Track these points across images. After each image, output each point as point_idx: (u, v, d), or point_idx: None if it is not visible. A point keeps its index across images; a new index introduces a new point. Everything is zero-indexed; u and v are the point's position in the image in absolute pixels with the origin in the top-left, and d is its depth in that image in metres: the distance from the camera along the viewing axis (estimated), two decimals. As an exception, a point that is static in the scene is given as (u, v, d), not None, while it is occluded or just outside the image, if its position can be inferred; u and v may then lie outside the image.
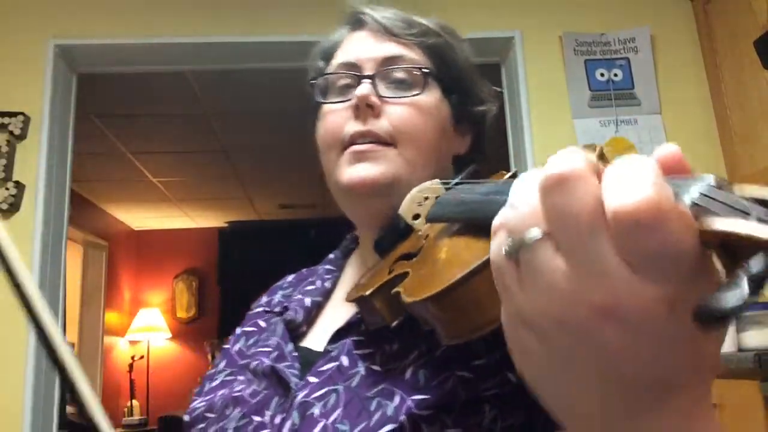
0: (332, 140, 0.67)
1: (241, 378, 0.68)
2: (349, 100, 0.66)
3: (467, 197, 0.49)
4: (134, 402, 5.40)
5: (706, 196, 0.25)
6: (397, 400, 0.55)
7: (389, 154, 0.64)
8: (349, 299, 0.59)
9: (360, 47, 0.70)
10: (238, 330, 0.79)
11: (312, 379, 0.60)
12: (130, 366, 5.50)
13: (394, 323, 0.53)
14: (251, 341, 0.74)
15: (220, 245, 5.92)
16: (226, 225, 6.00)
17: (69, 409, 3.14)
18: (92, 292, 5.10)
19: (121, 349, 5.63)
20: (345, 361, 0.61)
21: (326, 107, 0.69)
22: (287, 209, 5.46)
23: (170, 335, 5.75)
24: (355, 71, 0.68)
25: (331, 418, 0.55)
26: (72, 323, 4.72)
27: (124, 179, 4.59)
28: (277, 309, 0.77)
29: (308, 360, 0.64)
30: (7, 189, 2.12)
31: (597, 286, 0.26)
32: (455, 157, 0.73)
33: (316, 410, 0.57)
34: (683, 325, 0.25)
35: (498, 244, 0.30)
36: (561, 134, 2.29)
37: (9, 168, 2.16)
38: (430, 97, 0.68)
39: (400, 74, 0.67)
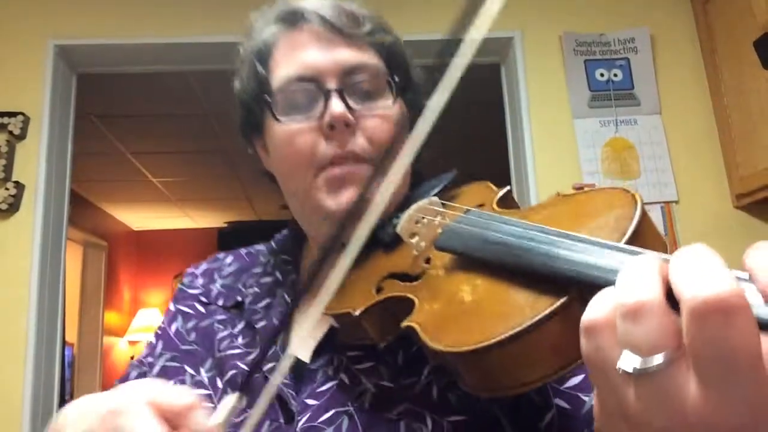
0: (305, 162, 0.61)
1: (191, 372, 0.63)
2: (316, 117, 0.60)
3: (491, 236, 0.45)
4: (134, 402, 5.39)
5: None
6: (430, 423, 0.51)
7: (368, 173, 0.60)
8: (330, 312, 0.53)
9: (313, 54, 0.61)
10: (173, 307, 0.73)
11: (311, 402, 0.55)
12: (130, 366, 5.49)
13: (383, 344, 0.50)
14: (190, 325, 0.69)
15: (219, 245, 5.92)
16: (225, 225, 6.00)
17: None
18: (92, 292, 5.09)
19: (121, 350, 5.62)
20: (345, 378, 0.56)
21: (290, 127, 0.61)
22: (287, 210, 5.43)
23: (170, 335, 5.74)
24: (316, 84, 0.61)
25: None
26: (71, 323, 4.71)
27: (124, 179, 4.59)
28: (221, 302, 0.71)
29: (296, 371, 0.59)
30: (6, 189, 2.12)
31: (737, 415, 0.24)
32: None
33: None
34: None
35: (597, 347, 0.27)
36: (561, 134, 2.29)
37: (9, 168, 2.15)
38: (396, 104, 0.64)
39: (364, 84, 0.62)
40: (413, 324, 0.44)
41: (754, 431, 0.24)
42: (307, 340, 0.61)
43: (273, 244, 0.77)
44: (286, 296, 0.67)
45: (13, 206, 2.12)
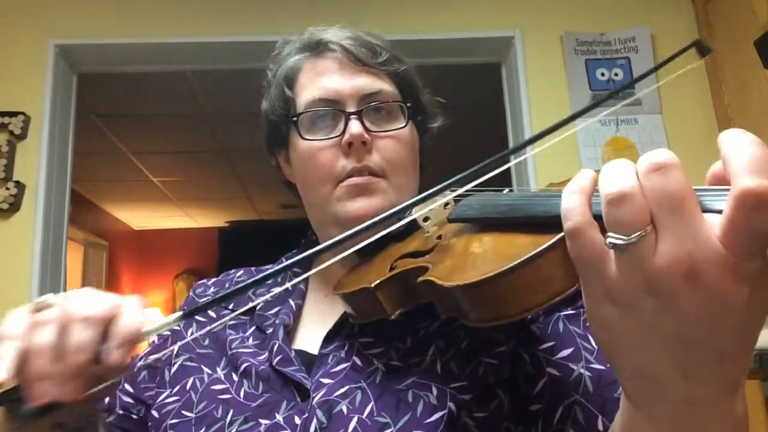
0: (326, 176, 0.68)
1: (208, 371, 0.68)
2: (336, 136, 0.68)
3: (498, 200, 0.53)
4: (134, 402, 5.40)
5: None
6: (435, 390, 0.58)
7: (382, 185, 0.68)
8: (348, 290, 0.60)
9: (335, 80, 0.70)
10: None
11: (325, 380, 0.61)
12: (131, 366, 5.50)
13: (395, 315, 0.56)
14: (204, 330, 0.75)
15: (220, 245, 5.93)
16: (226, 225, 6.01)
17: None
18: (92, 291, 5.09)
19: (122, 349, 5.63)
20: (358, 360, 0.63)
21: (313, 143, 0.69)
22: (287, 209, 5.46)
23: (170, 335, 5.75)
24: (337, 107, 0.69)
25: (366, 413, 0.57)
26: (72, 323, 4.71)
27: (125, 179, 4.60)
28: (232, 306, 0.76)
29: (305, 361, 0.65)
30: (7, 189, 2.12)
31: (689, 257, 0.30)
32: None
33: (344, 407, 0.58)
34: (750, 305, 0.30)
35: (588, 241, 0.34)
36: (561, 134, 2.29)
37: (9, 168, 2.15)
38: (407, 126, 0.71)
39: (380, 108, 0.70)
40: (428, 277, 0.49)
41: (692, 265, 0.30)
42: (315, 331, 0.68)
43: (283, 260, 0.84)
44: (294, 302, 0.73)
45: (14, 206, 2.13)
